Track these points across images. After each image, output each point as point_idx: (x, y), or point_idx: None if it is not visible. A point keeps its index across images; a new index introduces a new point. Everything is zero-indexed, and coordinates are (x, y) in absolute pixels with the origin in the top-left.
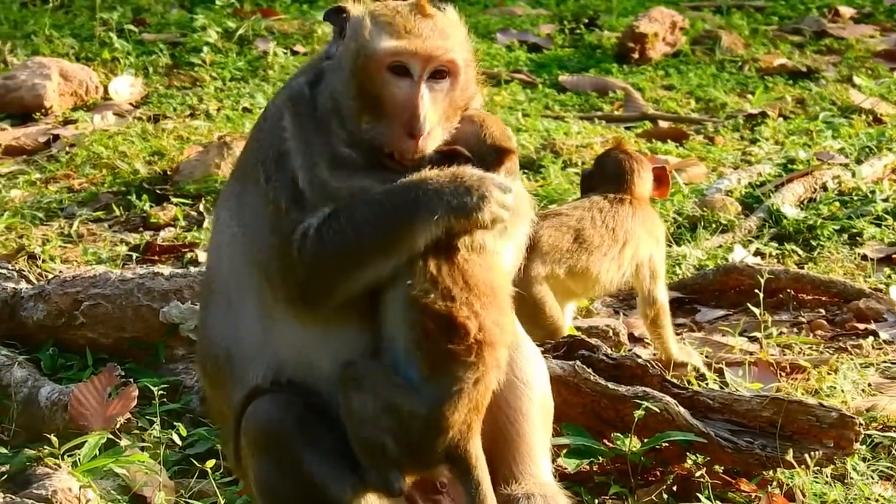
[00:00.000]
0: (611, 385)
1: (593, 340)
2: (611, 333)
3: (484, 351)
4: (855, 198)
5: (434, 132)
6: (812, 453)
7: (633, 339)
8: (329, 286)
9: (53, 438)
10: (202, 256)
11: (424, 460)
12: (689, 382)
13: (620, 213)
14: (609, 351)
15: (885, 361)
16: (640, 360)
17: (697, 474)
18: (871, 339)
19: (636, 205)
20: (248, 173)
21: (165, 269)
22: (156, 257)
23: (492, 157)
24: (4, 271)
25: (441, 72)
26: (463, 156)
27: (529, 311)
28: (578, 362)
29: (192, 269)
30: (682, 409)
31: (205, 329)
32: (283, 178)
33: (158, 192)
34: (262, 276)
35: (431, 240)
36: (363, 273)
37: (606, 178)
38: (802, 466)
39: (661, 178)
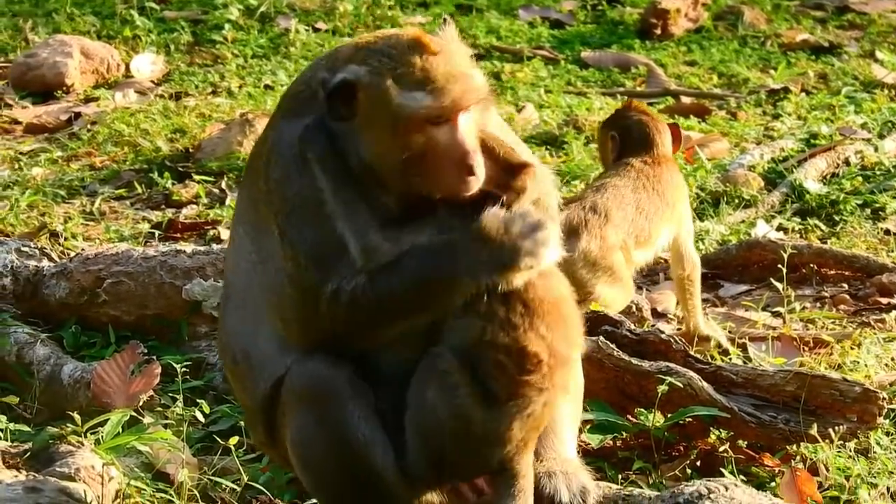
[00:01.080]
0: (634, 360)
1: (616, 316)
2: (633, 309)
3: (556, 373)
4: (878, 172)
5: (480, 160)
6: (836, 428)
7: (657, 315)
8: (357, 341)
9: (76, 416)
10: (224, 233)
11: (475, 467)
12: (712, 358)
13: (663, 176)
14: (632, 326)
15: None
16: (663, 336)
17: (721, 449)
18: (894, 313)
19: (668, 164)
20: (261, 214)
21: (188, 247)
22: (178, 235)
23: (509, 179)
24: (27, 249)
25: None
26: (495, 196)
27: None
28: (602, 338)
29: (215, 247)
30: (705, 384)
31: (224, 327)
32: (305, 234)
33: (180, 169)
34: (278, 317)
35: (470, 296)
36: (395, 329)
37: (634, 142)
38: (826, 441)
39: (675, 134)
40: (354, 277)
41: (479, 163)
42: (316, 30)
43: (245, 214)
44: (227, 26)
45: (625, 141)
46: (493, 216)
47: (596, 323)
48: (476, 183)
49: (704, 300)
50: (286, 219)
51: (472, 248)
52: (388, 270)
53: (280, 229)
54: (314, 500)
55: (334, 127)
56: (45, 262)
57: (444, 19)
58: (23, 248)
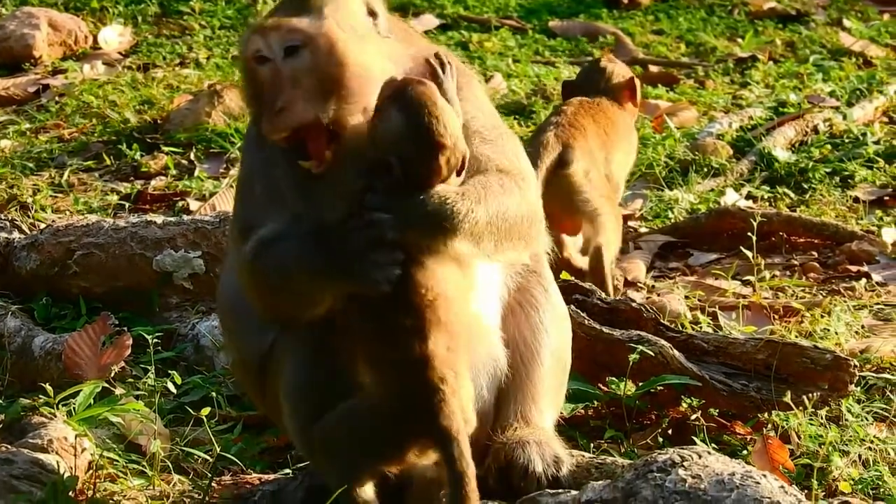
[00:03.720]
0: (605, 329)
1: (587, 285)
2: None
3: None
4: (846, 140)
5: (296, 107)
6: (808, 396)
7: (627, 284)
8: (272, 314)
9: (48, 388)
10: (193, 205)
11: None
12: (682, 326)
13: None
14: (603, 295)
15: (877, 303)
16: (634, 304)
17: (692, 417)
18: (863, 281)
19: (623, 110)
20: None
21: (158, 218)
22: (147, 206)
23: (417, 152)
24: None
25: (292, 48)
26: (391, 168)
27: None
28: (573, 306)
29: (186, 218)
30: (676, 353)
31: (222, 290)
32: (239, 210)
33: (149, 140)
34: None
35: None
36: (292, 309)
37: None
38: (800, 408)
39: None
40: (253, 243)
41: (282, 102)
42: None
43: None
44: None
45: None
46: (358, 233)
47: (567, 292)
48: (281, 123)
49: (674, 269)
50: (236, 197)
51: (331, 257)
52: (267, 250)
53: (234, 205)
54: (291, 469)
55: None
56: (16, 234)
57: None
58: None
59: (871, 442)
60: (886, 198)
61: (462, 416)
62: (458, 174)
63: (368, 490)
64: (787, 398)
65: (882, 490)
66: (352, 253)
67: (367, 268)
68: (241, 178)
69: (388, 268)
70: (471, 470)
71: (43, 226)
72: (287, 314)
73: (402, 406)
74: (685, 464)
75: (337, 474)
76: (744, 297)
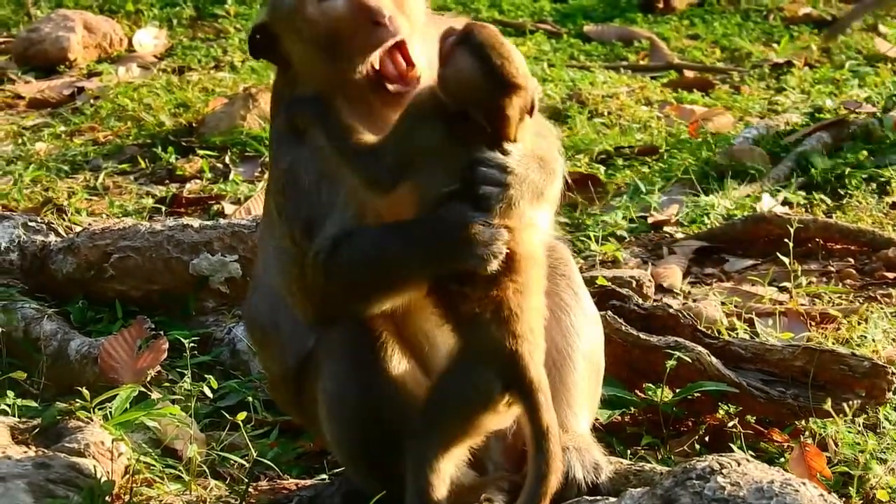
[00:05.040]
0: (642, 335)
1: (624, 290)
2: (634, 284)
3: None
4: (883, 146)
5: (398, 18)
6: (850, 403)
7: (661, 290)
8: (339, 309)
9: (85, 392)
10: (228, 208)
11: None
12: (718, 332)
13: None
14: (640, 301)
15: None
16: (671, 310)
17: (730, 424)
18: None
19: None
20: (268, 205)
21: (195, 222)
22: (182, 209)
23: (494, 97)
24: (34, 224)
25: None
26: (475, 121)
27: None
28: (610, 312)
29: (222, 221)
30: (714, 359)
31: (251, 307)
32: (296, 207)
33: (184, 144)
34: (288, 295)
35: (430, 279)
36: (369, 304)
37: None
38: (838, 416)
39: None
40: (328, 241)
41: (384, 9)
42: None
43: (265, 209)
44: (229, 0)
45: None
46: (456, 213)
47: (604, 298)
48: (392, 27)
49: (710, 274)
50: (281, 196)
51: (426, 241)
52: (349, 245)
53: (278, 209)
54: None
55: (292, 79)
56: (52, 238)
57: None
58: (30, 224)
59: None
60: None
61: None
62: (531, 115)
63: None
64: (827, 405)
65: None
66: (456, 232)
67: (476, 246)
68: (283, 177)
69: (496, 243)
70: (555, 422)
71: (79, 229)
72: (359, 309)
73: (489, 361)
74: (724, 471)
75: (417, 462)
76: (780, 303)
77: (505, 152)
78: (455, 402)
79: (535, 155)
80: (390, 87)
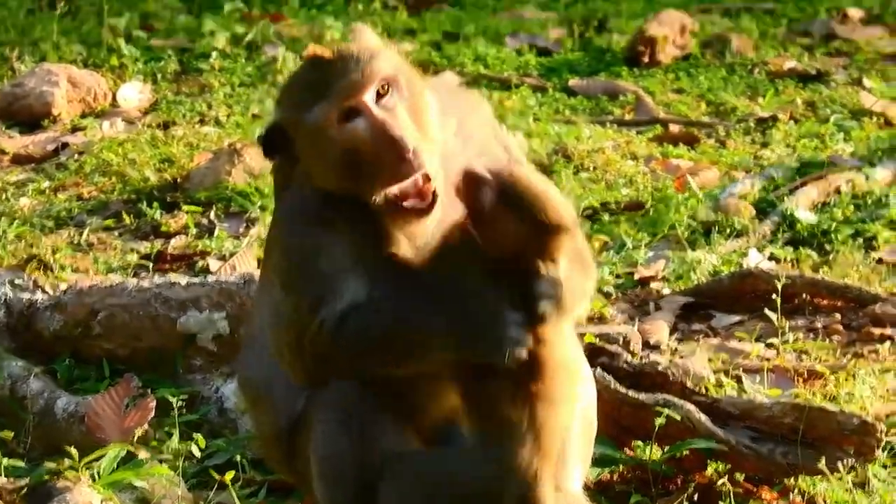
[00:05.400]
0: (631, 392)
1: (613, 347)
2: (622, 341)
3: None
4: (869, 201)
5: (422, 147)
6: (840, 461)
7: (648, 347)
8: (337, 376)
9: (73, 451)
10: (213, 264)
11: None
12: (706, 389)
13: None
14: (629, 358)
15: None
16: (660, 368)
17: (719, 482)
18: (887, 344)
19: None
20: (268, 275)
21: (182, 279)
22: (167, 266)
23: (547, 242)
24: (20, 282)
25: (383, 90)
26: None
27: None
28: (599, 369)
29: (210, 279)
30: (703, 417)
31: (243, 366)
32: (303, 285)
33: (169, 199)
34: (278, 355)
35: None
36: (372, 373)
37: None
38: (835, 474)
39: None
40: (335, 315)
41: (413, 146)
42: (303, 58)
43: (262, 276)
44: (213, 55)
45: None
46: (489, 307)
47: (593, 354)
48: (417, 162)
49: (696, 331)
50: (286, 273)
51: (453, 325)
52: (365, 314)
53: (282, 283)
54: None
55: (300, 176)
56: (39, 295)
57: (353, 29)
58: (16, 281)
59: None
60: None
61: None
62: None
63: None
64: (820, 464)
65: None
66: (485, 324)
67: (504, 342)
68: (293, 255)
69: (521, 344)
70: None
71: (65, 286)
72: (359, 375)
73: (505, 472)
74: None
75: None
76: (767, 359)
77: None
78: (456, 496)
79: (576, 256)
80: (406, 203)
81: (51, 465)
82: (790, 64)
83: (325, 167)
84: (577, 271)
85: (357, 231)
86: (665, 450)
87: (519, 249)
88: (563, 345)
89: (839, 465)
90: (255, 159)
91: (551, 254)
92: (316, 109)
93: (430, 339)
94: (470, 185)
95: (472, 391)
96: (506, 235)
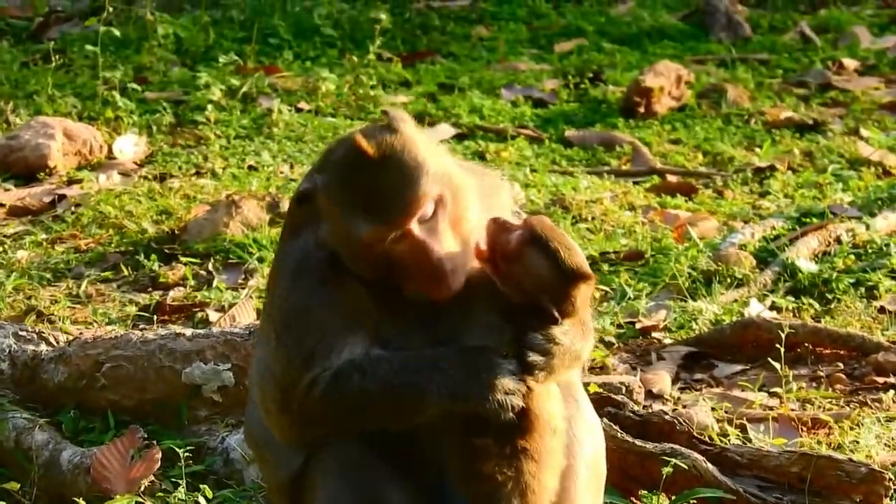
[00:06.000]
0: (638, 442)
1: (619, 397)
2: (625, 391)
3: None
4: (870, 251)
5: (457, 259)
6: None
7: (651, 396)
8: (326, 434)
9: (81, 502)
10: (213, 316)
11: None
12: (710, 439)
13: None
14: (635, 407)
15: None
16: (667, 417)
17: None
18: (891, 392)
19: None
20: (264, 324)
21: (187, 330)
22: (166, 317)
23: (566, 288)
24: (24, 333)
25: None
26: (546, 310)
27: None
28: (605, 419)
29: (215, 330)
30: (710, 466)
31: (249, 420)
32: (298, 340)
33: (167, 251)
34: (264, 411)
35: (436, 417)
36: (364, 430)
37: None
38: None
39: None
40: (330, 372)
41: (451, 266)
42: (298, 110)
43: (261, 326)
44: (209, 107)
45: None
46: (484, 357)
47: (599, 404)
48: (453, 285)
49: (699, 380)
50: (282, 327)
51: (448, 375)
52: (362, 370)
53: (276, 335)
54: None
55: (324, 235)
56: (43, 347)
57: (385, 112)
58: (20, 333)
59: None
60: None
61: None
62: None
63: None
64: None
65: None
66: (483, 373)
67: (497, 391)
68: (292, 311)
69: (516, 395)
70: None
71: (69, 338)
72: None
73: None
74: None
75: None
76: (771, 408)
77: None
78: None
79: (579, 321)
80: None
81: None
82: (787, 114)
83: (354, 258)
84: (576, 333)
85: (361, 292)
86: (672, 499)
87: (536, 295)
88: (551, 402)
89: None
90: (252, 211)
91: (572, 301)
92: (361, 225)
93: (425, 394)
94: (498, 231)
95: (459, 448)
96: (528, 280)
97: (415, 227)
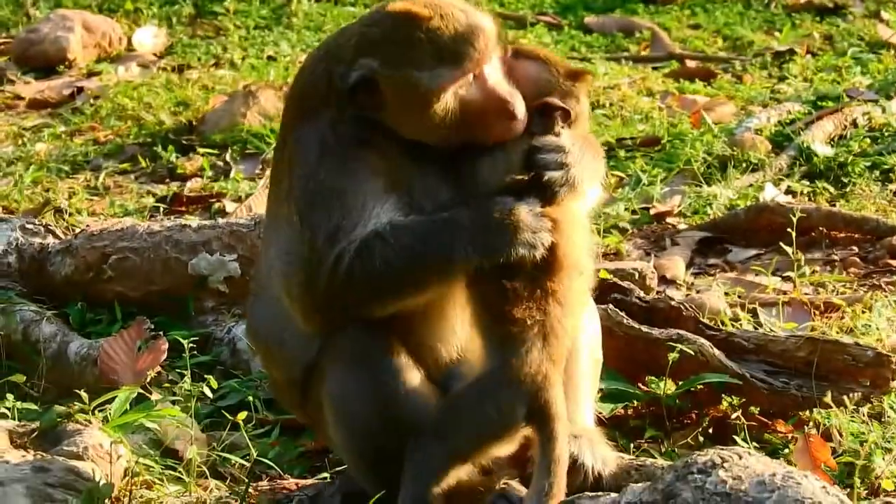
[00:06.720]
0: (644, 328)
1: (625, 283)
2: (637, 277)
3: (547, 303)
4: (885, 134)
5: (519, 98)
6: (850, 394)
7: (665, 282)
8: (352, 312)
9: (83, 394)
10: (230, 206)
11: (507, 420)
12: (722, 323)
13: None
14: (642, 294)
15: None
16: (673, 303)
17: (733, 416)
18: None
19: None
20: (281, 210)
21: (193, 221)
22: (183, 208)
23: (570, 87)
24: (31, 227)
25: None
26: (556, 107)
27: None
28: (611, 305)
29: (220, 221)
30: (716, 351)
31: (253, 317)
32: (325, 218)
33: (184, 142)
34: (287, 297)
35: (464, 276)
36: (391, 305)
37: None
38: (841, 407)
39: None
40: (354, 245)
41: (519, 104)
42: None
43: (271, 214)
44: None
45: None
46: (498, 202)
47: (605, 291)
48: (520, 124)
49: (713, 265)
50: (307, 207)
51: (471, 220)
52: (384, 240)
53: (301, 217)
54: (330, 472)
55: (357, 118)
56: (50, 239)
57: None
58: (27, 226)
59: None
60: None
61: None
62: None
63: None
64: (827, 398)
65: None
66: (503, 218)
67: (523, 232)
68: (317, 191)
69: (542, 231)
70: (565, 456)
71: (77, 230)
72: (376, 310)
73: (521, 384)
74: (725, 465)
75: (417, 470)
76: (784, 293)
77: (557, 135)
78: (471, 419)
79: (581, 135)
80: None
81: (61, 408)
82: None
83: (424, 121)
84: (585, 145)
85: (388, 164)
86: (679, 385)
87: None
88: (577, 234)
89: (845, 398)
90: (270, 101)
91: (575, 97)
92: (440, 76)
93: (452, 256)
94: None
95: (487, 293)
96: (530, 88)
97: (490, 72)
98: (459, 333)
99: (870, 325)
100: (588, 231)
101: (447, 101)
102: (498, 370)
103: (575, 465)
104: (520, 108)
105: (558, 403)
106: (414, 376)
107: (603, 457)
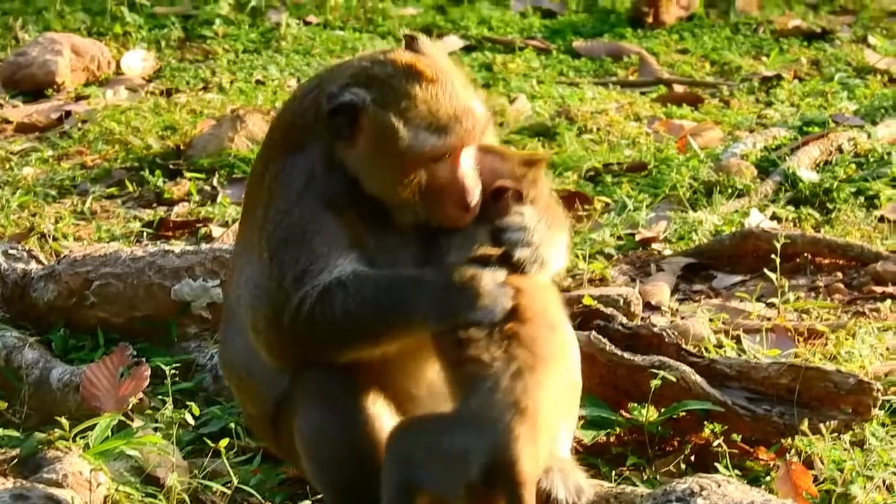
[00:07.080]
0: (627, 355)
1: (608, 310)
2: (622, 303)
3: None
4: (871, 159)
5: (478, 192)
6: (830, 421)
7: (649, 308)
8: (313, 355)
9: (64, 421)
10: (216, 231)
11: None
12: (705, 350)
13: None
14: (624, 320)
15: None
16: (655, 329)
17: (715, 443)
18: (888, 302)
19: None
20: (253, 238)
21: (176, 247)
22: (170, 233)
23: (524, 172)
24: (14, 252)
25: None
26: (506, 188)
27: None
28: (594, 332)
29: (204, 246)
30: (698, 378)
31: (225, 345)
32: (294, 258)
33: (172, 167)
34: (252, 331)
35: (423, 334)
36: (350, 353)
37: None
38: (822, 434)
39: None
40: (317, 290)
41: (476, 197)
42: (307, 23)
43: (243, 240)
44: (217, 21)
45: None
46: (463, 267)
47: (588, 317)
48: (469, 217)
49: (698, 291)
50: (280, 243)
51: (432, 290)
52: (345, 289)
53: (270, 253)
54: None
55: (336, 154)
56: (33, 265)
57: (411, 36)
58: (10, 251)
59: None
60: None
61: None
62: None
63: None
64: (803, 426)
65: None
66: (466, 283)
67: (483, 297)
68: (292, 229)
69: (503, 298)
70: None
71: (60, 256)
72: (337, 356)
73: (478, 432)
74: (704, 493)
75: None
76: (768, 319)
77: (521, 215)
78: (426, 455)
79: (545, 207)
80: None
81: (42, 435)
82: (795, 22)
83: (386, 173)
84: (550, 220)
85: (356, 217)
86: (661, 411)
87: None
88: (544, 296)
89: (822, 426)
90: (257, 125)
91: (532, 182)
92: (425, 137)
93: (412, 313)
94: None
95: (444, 340)
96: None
97: (464, 153)
98: (428, 371)
99: (853, 352)
100: (554, 291)
101: (417, 166)
102: (456, 410)
103: (548, 500)
104: (475, 202)
105: (527, 466)
106: (383, 413)
107: (577, 487)
